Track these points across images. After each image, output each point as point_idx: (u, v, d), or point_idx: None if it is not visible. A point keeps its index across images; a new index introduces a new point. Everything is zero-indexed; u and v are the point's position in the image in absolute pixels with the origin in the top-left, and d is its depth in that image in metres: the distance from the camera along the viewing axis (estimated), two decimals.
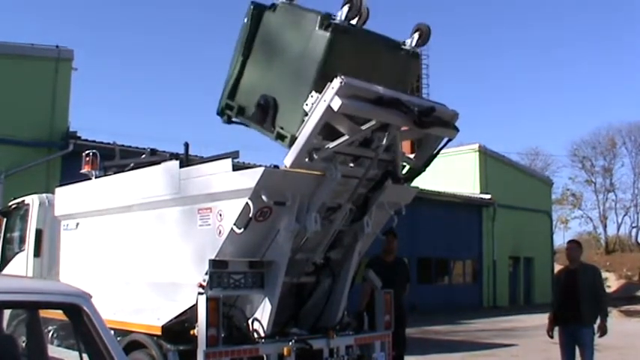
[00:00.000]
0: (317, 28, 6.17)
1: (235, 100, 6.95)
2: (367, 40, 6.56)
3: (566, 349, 8.21)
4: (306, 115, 5.99)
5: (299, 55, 6.34)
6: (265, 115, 6.45)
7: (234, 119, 7.03)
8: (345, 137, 6.17)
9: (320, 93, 5.89)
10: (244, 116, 6.85)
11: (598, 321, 8.07)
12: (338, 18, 6.20)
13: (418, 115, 6.15)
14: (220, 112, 7.09)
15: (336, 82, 5.77)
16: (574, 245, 8.53)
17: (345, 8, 6.17)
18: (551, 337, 8.36)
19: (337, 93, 5.74)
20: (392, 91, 6.18)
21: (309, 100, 5.99)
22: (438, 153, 6.91)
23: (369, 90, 6.02)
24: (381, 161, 6.71)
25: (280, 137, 6.26)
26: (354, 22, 6.39)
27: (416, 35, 6.76)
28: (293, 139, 6.04)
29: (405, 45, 6.81)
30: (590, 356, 8.08)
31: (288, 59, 6.50)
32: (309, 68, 6.18)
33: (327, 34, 6.10)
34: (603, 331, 8.05)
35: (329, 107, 5.79)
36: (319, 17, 6.18)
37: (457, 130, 6.75)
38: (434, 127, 6.42)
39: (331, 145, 6.15)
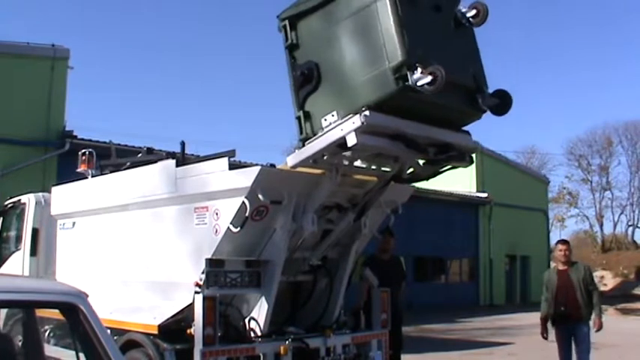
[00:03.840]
0: (389, 67, 5.39)
1: (295, 29, 6.11)
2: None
3: (564, 346, 8.25)
4: (322, 129, 5.76)
5: (355, 74, 5.65)
6: (304, 84, 5.94)
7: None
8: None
9: (342, 117, 5.58)
10: (290, 55, 6.11)
11: (593, 316, 8.14)
12: (414, 78, 5.26)
13: (433, 154, 6.08)
14: (280, 19, 6.22)
15: (357, 120, 5.44)
16: (568, 246, 8.55)
17: (428, 79, 5.22)
18: (546, 338, 8.40)
19: (355, 130, 5.49)
20: (414, 124, 5.79)
21: (329, 118, 5.70)
22: (444, 172, 6.71)
23: (390, 127, 5.74)
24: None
25: (298, 122, 5.96)
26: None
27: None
28: (306, 139, 5.91)
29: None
30: (586, 352, 8.12)
31: (348, 65, 5.74)
32: (355, 99, 5.58)
33: (394, 86, 5.38)
34: (600, 326, 8.11)
35: (343, 138, 5.56)
36: (398, 62, 5.33)
37: (472, 162, 6.54)
38: (447, 162, 6.33)
39: (340, 154, 5.99)
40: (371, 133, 5.64)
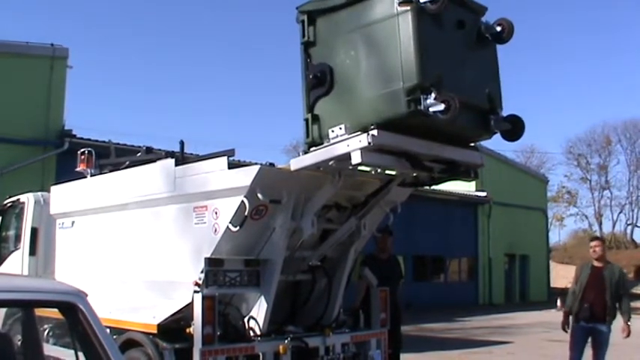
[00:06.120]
0: (403, 88, 5.23)
1: (314, 25, 5.91)
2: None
3: (579, 344, 8.12)
4: (328, 139, 5.67)
5: (368, 88, 5.54)
6: (315, 87, 5.82)
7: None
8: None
9: (349, 133, 5.49)
10: (305, 52, 5.95)
11: (621, 322, 8.05)
12: (427, 103, 5.16)
13: (438, 171, 6.10)
14: (299, 11, 6.04)
15: (364, 139, 5.36)
16: (600, 242, 8.41)
17: (440, 107, 5.12)
18: (567, 331, 8.25)
19: (361, 149, 5.44)
20: (421, 142, 5.73)
21: (337, 130, 5.58)
22: (446, 181, 6.75)
23: (396, 146, 5.70)
24: None
25: (306, 124, 5.88)
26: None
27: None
28: (312, 144, 5.88)
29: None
30: (603, 355, 8.06)
31: (362, 76, 5.58)
32: (364, 115, 5.48)
33: (405, 109, 5.25)
34: (628, 333, 8.04)
35: (348, 154, 5.53)
36: (413, 84, 5.20)
37: (477, 177, 6.52)
38: (450, 179, 6.34)
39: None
40: (376, 151, 5.62)
